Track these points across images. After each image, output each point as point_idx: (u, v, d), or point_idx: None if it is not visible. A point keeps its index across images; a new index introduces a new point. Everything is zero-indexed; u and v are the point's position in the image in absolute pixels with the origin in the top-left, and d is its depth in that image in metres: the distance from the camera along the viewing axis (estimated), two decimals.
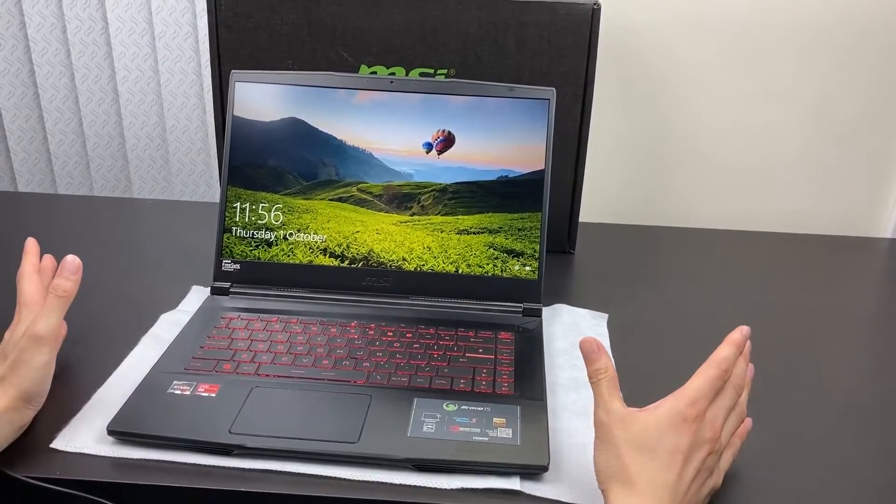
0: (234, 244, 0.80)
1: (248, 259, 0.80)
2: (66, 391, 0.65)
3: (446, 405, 0.63)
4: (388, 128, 0.80)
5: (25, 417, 0.59)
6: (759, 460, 0.62)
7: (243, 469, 0.58)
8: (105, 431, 0.60)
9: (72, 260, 0.63)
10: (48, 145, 1.34)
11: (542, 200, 0.79)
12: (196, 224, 1.01)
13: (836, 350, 0.80)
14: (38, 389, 0.60)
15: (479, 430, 0.61)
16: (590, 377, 0.56)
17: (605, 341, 0.77)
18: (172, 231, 1.01)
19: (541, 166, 0.79)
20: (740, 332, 0.57)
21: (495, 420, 0.62)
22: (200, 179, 1.32)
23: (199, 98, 1.27)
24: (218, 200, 0.82)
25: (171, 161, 1.31)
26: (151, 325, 0.76)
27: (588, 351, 0.56)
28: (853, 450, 0.64)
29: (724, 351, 0.55)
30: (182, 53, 1.24)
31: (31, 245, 0.69)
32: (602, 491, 0.53)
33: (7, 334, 0.64)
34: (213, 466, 0.58)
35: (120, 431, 0.60)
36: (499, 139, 0.79)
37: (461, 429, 0.61)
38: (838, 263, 0.99)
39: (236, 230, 0.80)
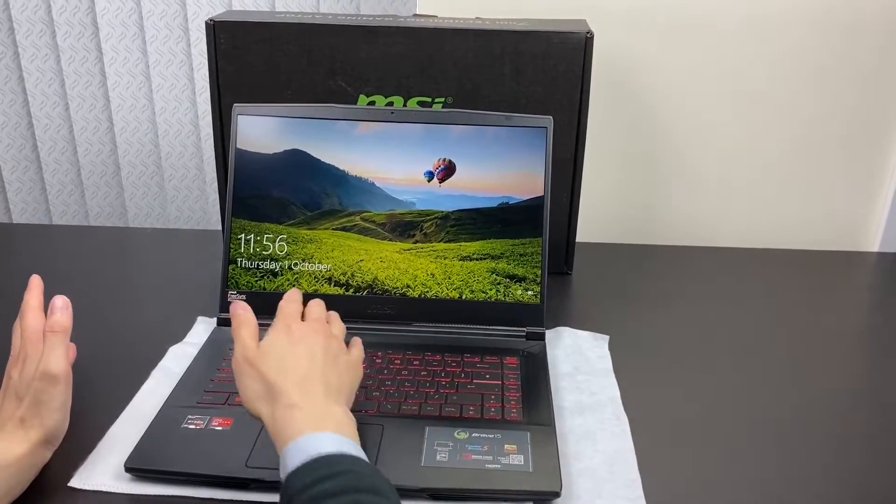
0: (240, 275, 0.81)
1: (253, 290, 0.81)
2: (80, 427, 0.66)
3: (458, 433, 0.65)
4: (389, 157, 0.81)
5: (45, 458, 0.60)
6: (752, 470, 0.64)
7: (262, 503, 0.59)
8: (122, 468, 0.61)
9: (61, 300, 0.64)
10: (42, 175, 1.34)
11: (541, 226, 0.80)
12: (195, 253, 1.02)
13: (829, 365, 0.82)
14: (59, 429, 0.60)
15: (491, 458, 0.62)
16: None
17: (608, 363, 0.79)
18: (172, 261, 1.01)
19: (540, 192, 0.80)
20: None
21: (506, 447, 0.63)
22: (196, 205, 1.32)
23: (193, 125, 1.28)
24: (215, 227, 0.83)
25: (167, 188, 1.31)
26: (160, 359, 0.77)
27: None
28: (844, 463, 0.66)
29: None
30: (177, 82, 1.25)
31: (36, 281, 0.69)
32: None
33: (14, 373, 0.62)
34: (232, 501, 0.59)
35: (137, 468, 0.61)
36: (498, 167, 0.81)
37: (473, 457, 0.62)
38: (829, 278, 1.02)
39: (241, 261, 0.81)
